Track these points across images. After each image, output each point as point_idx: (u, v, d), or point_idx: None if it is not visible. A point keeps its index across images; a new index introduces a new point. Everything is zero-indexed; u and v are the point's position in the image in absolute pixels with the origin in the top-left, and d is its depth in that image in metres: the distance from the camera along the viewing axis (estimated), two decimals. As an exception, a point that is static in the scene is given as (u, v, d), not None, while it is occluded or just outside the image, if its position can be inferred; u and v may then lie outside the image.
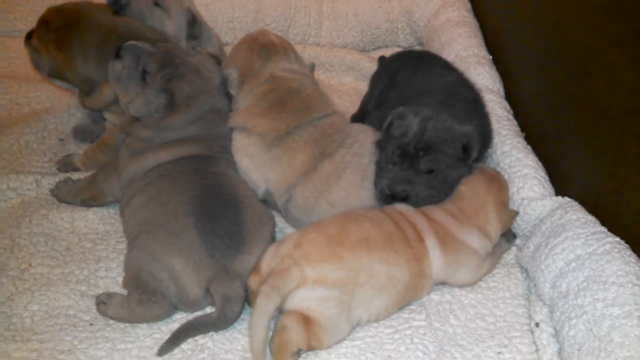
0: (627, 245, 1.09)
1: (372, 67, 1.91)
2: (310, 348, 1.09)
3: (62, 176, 1.47)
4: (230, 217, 1.21)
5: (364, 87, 1.79)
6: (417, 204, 1.25)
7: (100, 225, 1.38)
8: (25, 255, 1.29)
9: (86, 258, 1.30)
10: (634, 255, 1.06)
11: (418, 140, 1.24)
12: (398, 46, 2.16)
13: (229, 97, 1.39)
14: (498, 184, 1.28)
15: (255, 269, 1.15)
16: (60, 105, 1.69)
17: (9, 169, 1.48)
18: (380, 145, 1.32)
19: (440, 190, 1.26)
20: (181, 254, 1.15)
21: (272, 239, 1.26)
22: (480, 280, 1.27)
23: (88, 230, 1.37)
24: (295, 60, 1.45)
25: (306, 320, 1.07)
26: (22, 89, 1.74)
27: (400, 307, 1.19)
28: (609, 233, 1.12)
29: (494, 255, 1.29)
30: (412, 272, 1.17)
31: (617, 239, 1.11)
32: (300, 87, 1.38)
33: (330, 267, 1.09)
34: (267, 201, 1.36)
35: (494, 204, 1.24)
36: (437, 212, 1.22)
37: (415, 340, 1.15)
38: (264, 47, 1.41)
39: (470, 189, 1.25)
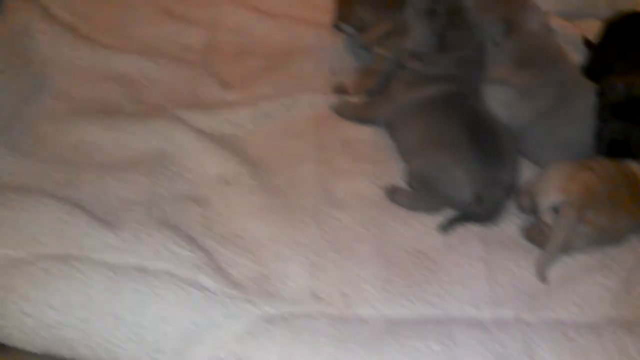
0: None
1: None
2: None
3: (339, 97, 1.89)
4: (491, 138, 1.60)
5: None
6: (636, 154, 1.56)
7: (378, 137, 1.79)
8: (329, 152, 1.72)
9: (373, 159, 1.71)
10: None
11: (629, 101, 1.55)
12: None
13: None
14: None
15: (531, 192, 1.51)
16: (330, 44, 2.12)
17: (302, 88, 1.92)
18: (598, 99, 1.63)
19: None
20: (460, 165, 1.55)
21: (518, 159, 1.64)
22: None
23: (367, 139, 1.78)
24: (536, 10, 1.76)
25: None
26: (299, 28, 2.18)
27: None
28: None
29: None
30: None
31: None
32: (548, 41, 1.73)
33: (605, 219, 1.42)
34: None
35: None
36: None
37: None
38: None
39: None
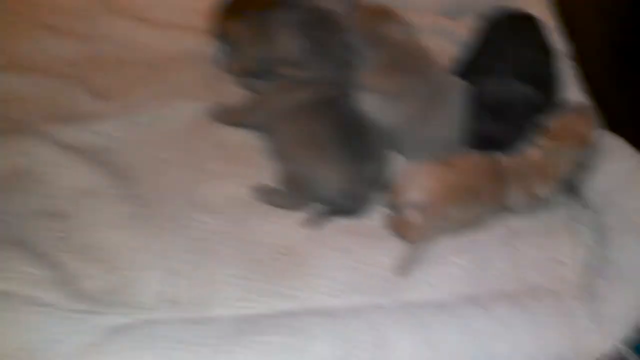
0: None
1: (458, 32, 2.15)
2: None
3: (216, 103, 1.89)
4: (360, 137, 1.64)
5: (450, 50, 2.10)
6: (506, 147, 1.63)
7: (254, 140, 1.80)
8: (200, 157, 1.72)
9: (246, 162, 1.72)
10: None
11: (499, 100, 1.64)
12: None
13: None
14: (582, 148, 1.57)
15: (396, 189, 1.55)
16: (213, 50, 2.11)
17: (180, 96, 1.91)
18: (471, 100, 1.71)
19: (522, 136, 1.64)
20: (328, 163, 1.59)
21: (388, 157, 1.69)
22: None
23: (242, 142, 1.80)
24: (400, 22, 1.84)
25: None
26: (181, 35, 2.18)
27: None
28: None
29: None
30: (499, 208, 1.58)
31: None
32: (414, 49, 1.79)
33: (461, 211, 1.50)
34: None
35: (575, 166, 1.57)
36: (526, 171, 1.57)
37: (492, 229, 1.58)
38: (377, 12, 1.82)
39: (564, 159, 1.57)
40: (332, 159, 1.59)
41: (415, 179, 1.52)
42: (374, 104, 1.75)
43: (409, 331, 1.30)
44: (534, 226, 1.60)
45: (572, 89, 1.83)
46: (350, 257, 1.48)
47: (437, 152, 1.64)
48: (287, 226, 1.56)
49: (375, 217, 1.60)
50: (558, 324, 1.34)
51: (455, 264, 1.46)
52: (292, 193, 1.63)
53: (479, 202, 1.53)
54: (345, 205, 1.59)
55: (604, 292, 1.35)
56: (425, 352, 1.27)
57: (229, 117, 1.86)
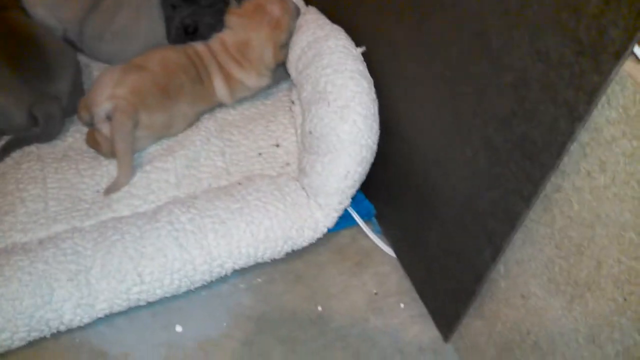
0: (342, 29, 1.46)
1: None
2: None
3: None
4: (34, 52, 1.45)
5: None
6: (205, 33, 1.53)
7: None
8: None
9: None
10: (344, 33, 1.44)
11: None
12: None
13: None
14: (280, 28, 1.50)
15: (86, 103, 1.40)
16: None
17: None
18: None
19: (219, 19, 1.55)
20: (1, 89, 1.38)
21: (77, 66, 1.52)
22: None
23: None
24: None
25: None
26: None
27: None
28: (330, 22, 1.49)
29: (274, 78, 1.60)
30: (207, 104, 1.51)
31: (336, 26, 1.48)
32: None
33: (160, 115, 1.39)
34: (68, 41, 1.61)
35: (274, 47, 1.49)
36: (224, 58, 1.50)
37: (201, 125, 1.51)
38: None
39: (256, 38, 1.49)
40: (3, 82, 1.38)
41: (100, 88, 1.38)
42: (39, 9, 1.57)
43: (110, 248, 1.20)
44: (248, 115, 1.56)
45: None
46: (43, 186, 1.33)
47: (137, 47, 1.54)
48: (-30, 168, 1.37)
49: (70, 138, 1.46)
50: (278, 208, 1.32)
51: (163, 169, 1.38)
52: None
53: (179, 102, 1.43)
54: (34, 131, 1.42)
55: (315, 167, 1.34)
56: (130, 264, 1.19)
57: None
